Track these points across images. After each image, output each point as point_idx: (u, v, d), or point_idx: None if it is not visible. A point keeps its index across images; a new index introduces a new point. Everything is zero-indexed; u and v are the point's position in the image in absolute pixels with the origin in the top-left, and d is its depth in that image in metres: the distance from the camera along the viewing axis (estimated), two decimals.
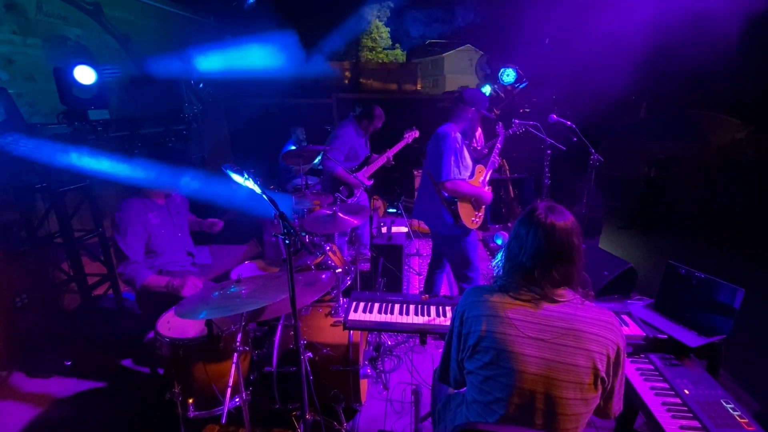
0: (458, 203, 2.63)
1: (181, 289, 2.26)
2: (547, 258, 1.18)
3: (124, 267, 2.31)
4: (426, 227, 3.06)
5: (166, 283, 2.30)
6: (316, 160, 4.82)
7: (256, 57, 5.02)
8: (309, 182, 4.43)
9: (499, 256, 1.33)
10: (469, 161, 2.67)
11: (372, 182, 3.92)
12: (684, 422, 1.41)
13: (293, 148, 4.52)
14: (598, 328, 1.15)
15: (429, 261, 3.25)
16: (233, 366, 1.70)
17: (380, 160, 3.86)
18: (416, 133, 3.96)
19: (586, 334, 1.14)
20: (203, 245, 2.90)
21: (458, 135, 2.59)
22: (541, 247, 1.19)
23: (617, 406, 1.24)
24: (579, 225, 1.23)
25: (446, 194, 2.64)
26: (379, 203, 5.37)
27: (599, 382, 1.14)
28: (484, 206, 2.75)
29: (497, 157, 2.85)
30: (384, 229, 4.03)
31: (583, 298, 1.22)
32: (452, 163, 2.53)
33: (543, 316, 1.18)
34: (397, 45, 23.13)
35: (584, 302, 1.21)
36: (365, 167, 3.85)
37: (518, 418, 1.17)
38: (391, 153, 3.87)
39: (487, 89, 5.29)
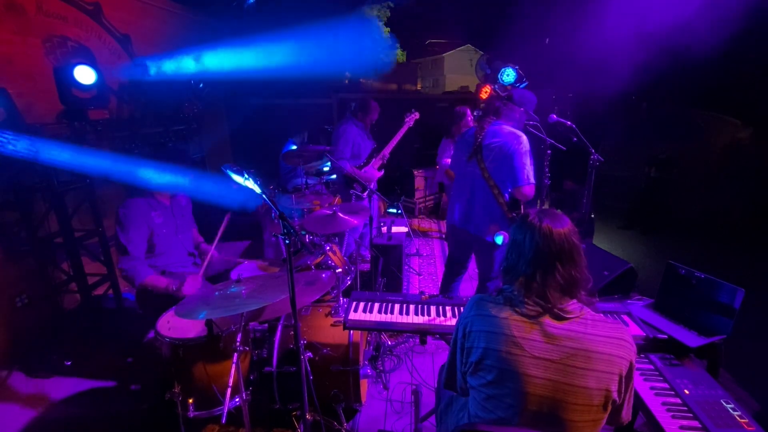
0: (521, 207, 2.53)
1: (180, 290, 2.27)
2: (548, 260, 1.15)
3: (125, 262, 2.32)
4: (426, 226, 3.03)
5: (166, 286, 2.31)
6: (326, 167, 4.84)
7: (257, 57, 5.02)
8: (309, 182, 4.43)
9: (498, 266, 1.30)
10: None
11: (382, 173, 4.06)
12: (684, 422, 1.41)
13: (294, 148, 4.53)
14: (611, 347, 1.10)
15: (449, 264, 3.08)
16: (233, 366, 1.70)
17: (387, 148, 3.99)
18: (416, 115, 4.06)
19: (597, 355, 1.09)
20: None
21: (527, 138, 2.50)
22: (540, 249, 1.16)
23: (627, 415, 1.21)
24: (575, 226, 1.20)
25: (516, 198, 2.49)
26: (379, 203, 5.37)
27: (610, 404, 1.11)
28: None
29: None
30: (384, 229, 4.04)
31: (587, 304, 1.18)
32: (528, 165, 2.42)
33: (551, 334, 1.12)
34: (397, 45, 23.08)
35: (594, 317, 1.16)
36: (373, 160, 3.95)
37: None
38: (395, 140, 4.01)
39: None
